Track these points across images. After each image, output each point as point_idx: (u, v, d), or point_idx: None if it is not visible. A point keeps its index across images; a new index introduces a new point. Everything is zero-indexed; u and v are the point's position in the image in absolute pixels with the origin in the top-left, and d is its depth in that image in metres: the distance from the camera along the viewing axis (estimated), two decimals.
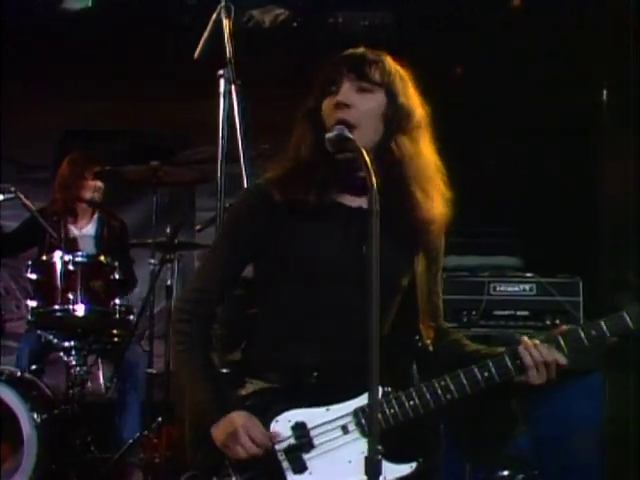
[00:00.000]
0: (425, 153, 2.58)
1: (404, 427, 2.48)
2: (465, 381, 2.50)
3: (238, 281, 2.68)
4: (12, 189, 4.79)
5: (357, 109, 2.49)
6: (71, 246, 5.36)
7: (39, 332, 4.95)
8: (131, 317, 5.05)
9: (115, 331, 5.09)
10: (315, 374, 2.51)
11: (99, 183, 5.51)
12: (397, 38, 6.29)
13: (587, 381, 4.57)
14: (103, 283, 4.81)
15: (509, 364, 2.52)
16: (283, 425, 2.47)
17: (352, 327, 2.44)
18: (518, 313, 4.93)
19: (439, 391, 2.50)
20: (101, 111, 7.08)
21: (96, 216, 5.66)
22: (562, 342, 2.51)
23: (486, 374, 2.51)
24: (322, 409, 2.49)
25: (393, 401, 2.49)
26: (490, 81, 6.13)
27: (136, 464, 4.78)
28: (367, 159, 2.21)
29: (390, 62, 2.58)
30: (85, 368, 4.95)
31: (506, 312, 4.99)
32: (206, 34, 3.90)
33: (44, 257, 4.83)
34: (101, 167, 5.29)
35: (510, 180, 6.16)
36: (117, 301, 4.87)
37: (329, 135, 2.39)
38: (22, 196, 4.85)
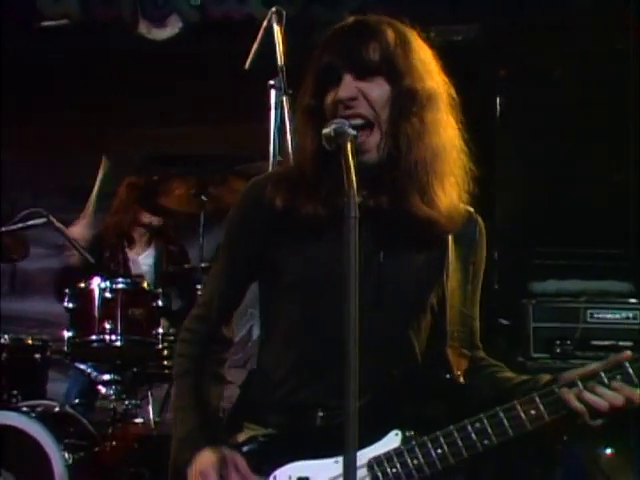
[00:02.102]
0: (429, 135, 2.16)
1: None
2: (506, 422, 2.01)
3: (243, 296, 2.34)
4: (44, 213, 4.56)
5: (368, 99, 2.13)
6: (129, 273, 5.15)
7: (76, 365, 4.66)
8: None
9: (166, 362, 4.75)
10: (320, 414, 2.10)
11: None
12: (491, 51, 5.97)
13: None
14: (144, 311, 4.49)
15: (562, 403, 2.03)
16: None
17: (365, 359, 1.97)
18: (620, 343, 4.49)
19: (473, 435, 2.02)
20: (180, 135, 6.90)
21: (154, 241, 5.43)
22: (632, 372, 1.99)
23: (533, 412, 2.02)
24: (330, 460, 2.06)
25: (416, 449, 2.04)
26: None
27: None
28: (350, 162, 1.88)
29: (390, 36, 2.18)
30: (134, 401, 4.67)
31: (606, 342, 4.57)
32: (256, 43, 3.74)
33: (82, 284, 4.53)
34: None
35: (621, 196, 5.71)
36: (160, 330, 4.52)
37: (325, 130, 2.02)
38: (54, 220, 4.61)
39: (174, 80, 6.26)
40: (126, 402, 4.60)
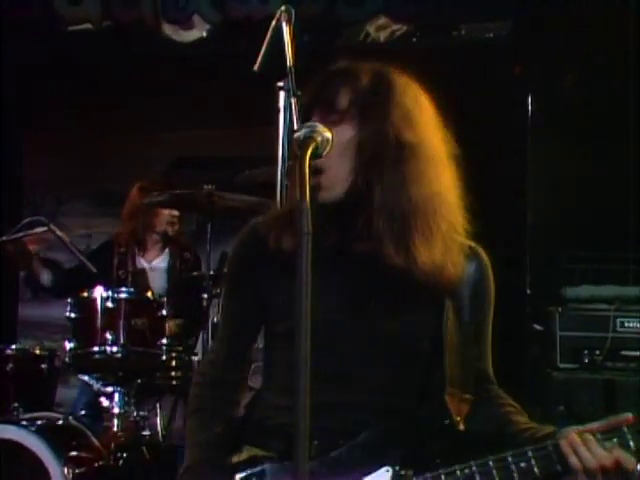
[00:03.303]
0: (407, 184, 2.11)
1: None
2: (495, 472, 1.97)
3: (256, 339, 2.36)
4: (45, 221, 4.51)
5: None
6: (139, 280, 5.04)
7: (79, 376, 4.57)
8: (195, 358, 4.60)
9: (174, 373, 4.64)
10: (315, 442, 2.01)
11: (175, 212, 5.16)
12: (525, 48, 5.82)
13: None
14: (148, 321, 4.35)
15: (554, 458, 1.97)
16: None
17: (354, 393, 2.11)
18: None
19: None
20: (212, 138, 6.89)
21: (168, 248, 5.29)
22: (629, 436, 1.93)
23: (523, 465, 1.97)
24: None
25: None
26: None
27: None
28: (305, 171, 1.82)
29: (364, 79, 2.15)
30: (142, 413, 4.52)
31: (637, 353, 4.43)
32: (265, 43, 3.62)
33: (85, 294, 4.41)
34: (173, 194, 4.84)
35: None
36: (163, 341, 4.39)
37: (297, 134, 1.98)
38: (56, 229, 4.54)
39: (199, 82, 6.15)
40: (134, 414, 4.47)
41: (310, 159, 1.89)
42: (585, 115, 5.32)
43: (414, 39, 6.13)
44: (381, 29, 6.15)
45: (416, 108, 2.15)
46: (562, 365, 4.66)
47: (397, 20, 6.10)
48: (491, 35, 5.95)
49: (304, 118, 2.16)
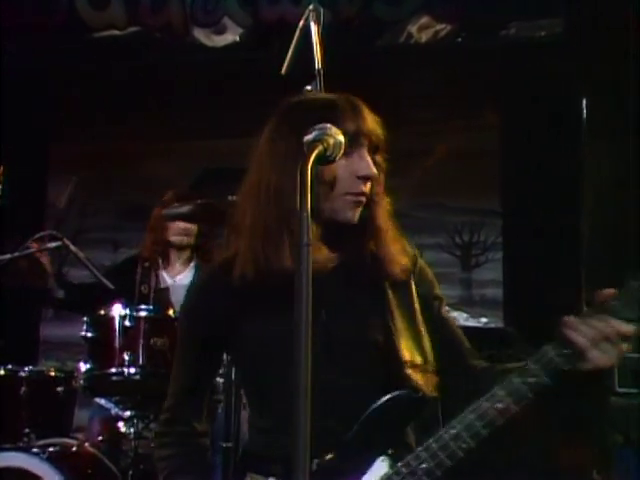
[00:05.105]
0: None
1: None
2: (477, 422, 2.09)
3: (214, 376, 2.53)
4: (59, 236, 4.33)
5: (377, 183, 2.28)
6: (161, 297, 4.73)
7: (96, 400, 4.30)
8: (220, 380, 4.30)
9: None
10: (316, 461, 2.09)
11: (190, 225, 4.88)
12: (576, 48, 5.53)
13: None
14: (169, 340, 4.02)
15: (554, 356, 2.07)
16: None
17: (334, 405, 2.13)
18: None
19: (451, 443, 2.09)
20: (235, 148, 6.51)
21: (193, 263, 5.01)
22: (618, 305, 2.04)
23: (500, 406, 2.08)
24: None
25: (403, 469, 2.11)
26: None
27: None
28: (307, 177, 1.80)
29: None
30: None
31: None
32: (293, 45, 3.51)
33: (102, 312, 4.12)
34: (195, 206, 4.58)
35: None
36: None
37: (307, 137, 1.92)
38: (69, 243, 4.34)
39: (229, 88, 5.91)
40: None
41: (321, 164, 1.89)
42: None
43: (459, 39, 5.91)
44: (423, 29, 5.93)
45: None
46: (620, 389, 4.43)
47: (440, 19, 5.87)
48: (543, 34, 5.70)
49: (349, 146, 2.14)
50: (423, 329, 2.29)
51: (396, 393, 2.16)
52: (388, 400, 2.15)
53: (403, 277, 2.28)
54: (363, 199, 2.21)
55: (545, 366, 2.06)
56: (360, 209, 2.21)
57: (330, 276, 2.16)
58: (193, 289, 2.44)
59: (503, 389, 2.08)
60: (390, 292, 2.27)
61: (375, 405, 2.15)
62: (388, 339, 2.21)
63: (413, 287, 2.32)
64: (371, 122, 2.21)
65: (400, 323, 2.24)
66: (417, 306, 2.30)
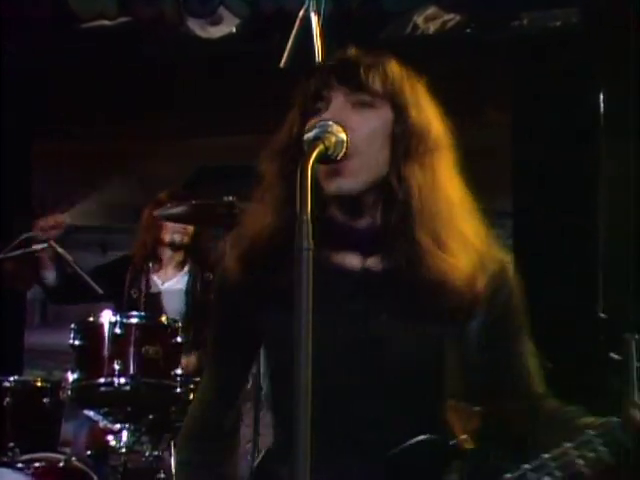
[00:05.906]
0: (442, 184, 1.97)
1: None
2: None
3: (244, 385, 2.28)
4: (45, 238, 4.20)
5: (354, 131, 1.88)
6: (152, 302, 4.65)
7: (84, 412, 4.11)
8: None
9: None
10: None
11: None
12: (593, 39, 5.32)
13: None
14: (161, 349, 3.88)
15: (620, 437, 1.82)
16: None
17: (366, 433, 1.94)
18: None
19: None
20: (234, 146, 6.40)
21: (187, 266, 4.85)
22: None
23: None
24: None
25: None
26: None
27: None
28: (307, 179, 1.65)
29: (394, 66, 1.99)
30: (155, 453, 4.10)
31: None
32: (292, 37, 3.38)
33: (90, 318, 3.97)
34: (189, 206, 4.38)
35: None
36: (179, 371, 3.92)
37: (306, 135, 1.82)
38: (56, 246, 4.24)
39: (225, 83, 5.73)
40: (145, 454, 4.06)
41: (321, 163, 1.79)
42: None
43: (468, 30, 5.70)
44: (430, 20, 5.74)
45: (431, 99, 2.03)
46: None
47: (449, 9, 5.69)
48: (558, 24, 5.49)
49: (313, 101, 1.95)
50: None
51: (427, 437, 1.94)
52: (418, 443, 1.94)
53: (442, 290, 1.95)
54: None
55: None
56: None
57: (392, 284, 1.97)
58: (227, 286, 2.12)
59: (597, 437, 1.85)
60: (438, 307, 1.96)
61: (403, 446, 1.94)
62: (439, 365, 1.99)
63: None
64: (345, 62, 1.98)
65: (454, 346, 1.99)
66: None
